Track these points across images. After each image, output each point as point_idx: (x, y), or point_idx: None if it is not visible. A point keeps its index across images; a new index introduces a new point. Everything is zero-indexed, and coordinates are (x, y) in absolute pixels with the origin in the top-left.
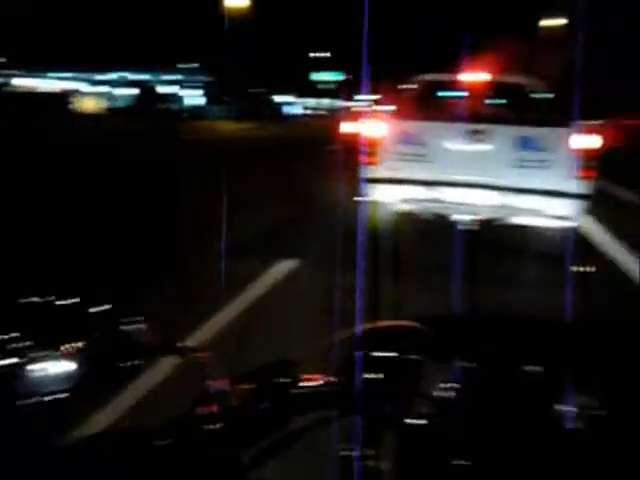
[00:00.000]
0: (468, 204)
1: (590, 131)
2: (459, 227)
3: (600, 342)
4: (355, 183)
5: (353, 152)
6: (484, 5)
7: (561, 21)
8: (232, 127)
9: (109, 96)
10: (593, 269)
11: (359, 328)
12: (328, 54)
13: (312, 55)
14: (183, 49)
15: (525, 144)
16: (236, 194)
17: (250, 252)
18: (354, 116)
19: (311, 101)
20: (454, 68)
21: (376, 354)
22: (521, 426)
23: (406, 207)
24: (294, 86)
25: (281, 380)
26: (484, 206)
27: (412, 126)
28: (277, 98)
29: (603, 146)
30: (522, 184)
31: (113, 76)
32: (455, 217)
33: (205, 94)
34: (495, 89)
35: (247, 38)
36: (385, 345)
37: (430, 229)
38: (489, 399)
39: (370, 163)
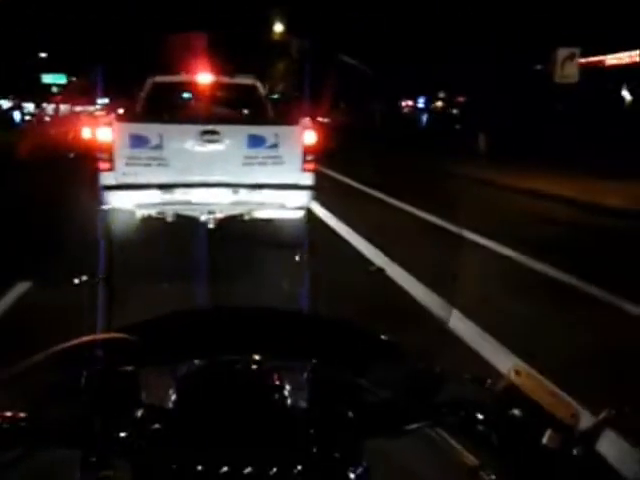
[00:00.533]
0: (207, 203)
1: (311, 129)
2: (199, 226)
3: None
4: (96, 191)
5: (93, 157)
6: (218, 7)
7: (281, 28)
8: None
9: None
10: (305, 257)
11: (54, 349)
12: (44, 54)
13: (39, 55)
14: None
15: (256, 142)
16: None
17: None
18: (90, 120)
19: (31, 106)
20: (186, 69)
21: (84, 373)
22: (247, 418)
23: (145, 211)
24: (15, 89)
25: None
26: (222, 204)
27: (144, 129)
28: (2, 103)
29: (321, 142)
30: (256, 180)
31: None
32: (195, 217)
33: None
34: (227, 90)
35: None
36: (90, 361)
37: (170, 231)
38: (209, 396)
39: (106, 169)
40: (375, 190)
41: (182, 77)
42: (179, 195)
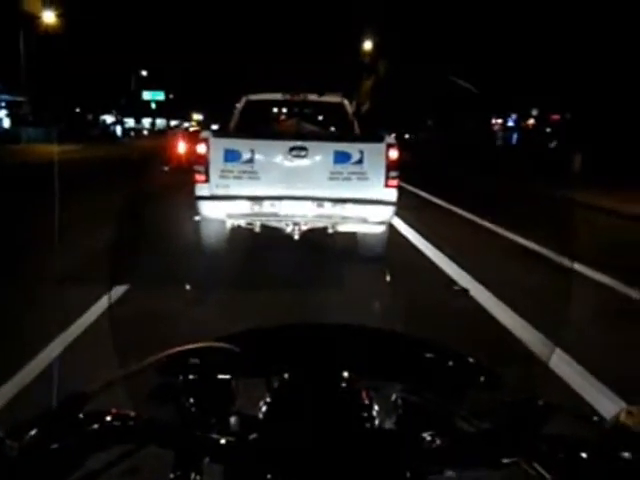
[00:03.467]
0: (293, 215)
1: (393, 146)
2: (286, 237)
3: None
4: (190, 202)
5: (187, 171)
6: (306, 28)
7: (370, 45)
8: (55, 150)
9: None
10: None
11: (161, 354)
12: (144, 72)
13: (140, 73)
14: None
15: (341, 158)
16: (65, 218)
17: (81, 278)
18: (185, 136)
19: (131, 121)
20: (278, 88)
21: (184, 378)
22: (334, 435)
23: (235, 222)
24: (117, 105)
25: (72, 417)
26: (307, 216)
27: (238, 144)
28: (107, 118)
29: (400, 158)
30: (340, 194)
31: None
32: (281, 228)
33: (10, 115)
34: (315, 108)
35: (59, 54)
36: (191, 368)
37: (259, 241)
38: (303, 411)
39: (201, 181)
40: (461, 209)
41: (273, 95)
42: (267, 207)
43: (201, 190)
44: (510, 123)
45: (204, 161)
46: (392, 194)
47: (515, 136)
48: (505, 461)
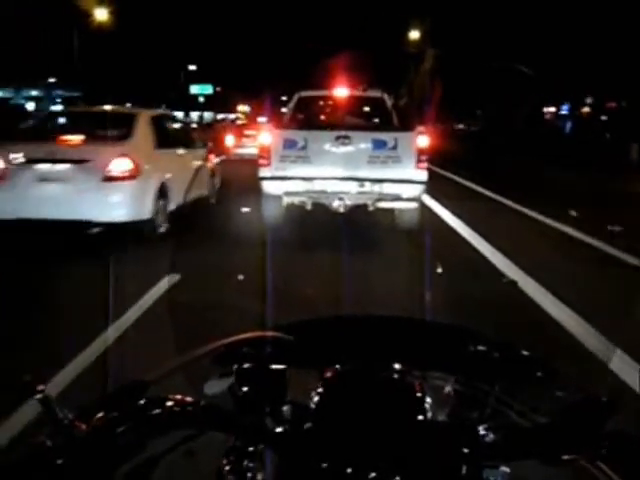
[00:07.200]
0: (338, 192)
1: (424, 134)
2: (333, 211)
3: (460, 337)
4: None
5: (240, 162)
6: (353, 25)
7: (417, 36)
8: None
9: None
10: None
11: (218, 343)
12: (194, 67)
13: (189, 68)
14: (37, 63)
15: (379, 145)
16: None
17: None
18: (236, 129)
19: (180, 115)
20: (325, 84)
21: (239, 367)
22: (389, 426)
23: (290, 199)
24: (166, 99)
25: (135, 403)
26: (351, 193)
27: (294, 134)
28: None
29: (431, 145)
30: (378, 175)
31: None
32: (330, 204)
33: None
34: (359, 102)
35: (111, 50)
36: (247, 357)
37: (311, 214)
38: (356, 402)
39: (264, 165)
40: (512, 202)
41: (322, 91)
42: (317, 186)
43: (264, 172)
44: (563, 112)
45: (267, 149)
46: (422, 175)
47: (568, 125)
48: (565, 458)
